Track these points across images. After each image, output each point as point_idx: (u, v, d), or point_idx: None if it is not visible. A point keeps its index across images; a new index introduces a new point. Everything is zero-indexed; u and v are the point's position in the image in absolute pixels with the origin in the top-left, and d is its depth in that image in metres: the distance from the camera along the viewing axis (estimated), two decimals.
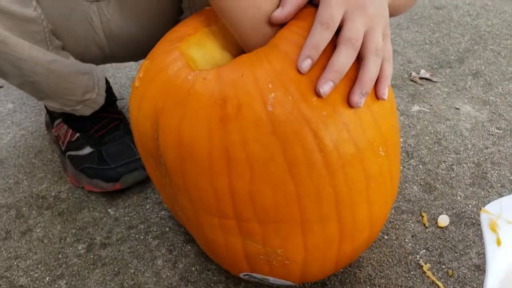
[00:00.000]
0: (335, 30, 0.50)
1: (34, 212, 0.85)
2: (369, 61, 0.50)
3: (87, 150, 0.87)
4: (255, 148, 0.48)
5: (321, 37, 0.49)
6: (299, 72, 0.49)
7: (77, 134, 0.89)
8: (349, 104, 0.50)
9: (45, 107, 0.97)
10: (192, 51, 0.59)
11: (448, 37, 1.39)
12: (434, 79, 1.18)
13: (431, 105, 1.08)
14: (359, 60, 0.52)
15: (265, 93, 0.48)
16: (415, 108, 1.08)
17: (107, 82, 0.93)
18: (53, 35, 0.77)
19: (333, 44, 0.51)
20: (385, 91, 0.52)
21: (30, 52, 0.70)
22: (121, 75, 1.29)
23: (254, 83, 0.49)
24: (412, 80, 1.18)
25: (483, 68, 1.22)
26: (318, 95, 0.48)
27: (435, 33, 1.42)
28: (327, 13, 0.50)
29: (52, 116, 0.97)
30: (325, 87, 0.48)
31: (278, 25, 0.54)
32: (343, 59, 0.49)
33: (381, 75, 0.52)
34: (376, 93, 0.52)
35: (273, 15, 0.53)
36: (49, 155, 0.99)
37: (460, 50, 1.32)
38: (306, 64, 0.49)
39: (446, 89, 1.14)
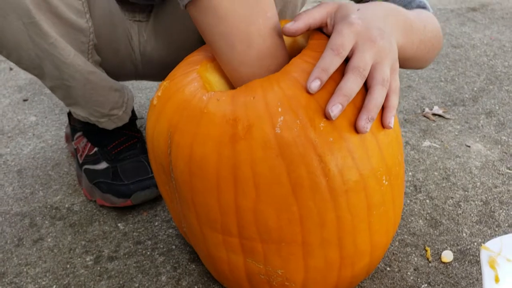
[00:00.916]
0: (344, 57, 0.53)
1: (47, 222, 0.88)
2: (375, 90, 0.53)
3: (103, 165, 0.90)
4: (261, 168, 0.50)
5: (331, 61, 0.52)
6: (308, 92, 0.51)
7: (95, 149, 0.92)
8: (356, 129, 0.52)
9: (68, 119, 1.01)
10: (210, 74, 0.62)
11: (464, 76, 1.40)
12: (447, 116, 1.19)
13: (442, 141, 1.09)
14: (367, 90, 0.54)
15: (275, 116, 0.51)
16: (426, 143, 1.09)
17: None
18: (95, 50, 0.82)
19: (342, 73, 0.53)
20: (391, 120, 0.55)
21: (74, 59, 0.75)
22: (142, 95, 1.32)
23: (264, 106, 0.51)
24: (425, 116, 1.20)
25: (497, 108, 1.23)
26: (327, 117, 0.51)
27: (451, 71, 1.44)
28: (339, 40, 0.53)
29: (73, 128, 1.00)
30: (335, 110, 0.50)
31: (275, 63, 0.57)
32: (351, 85, 0.52)
33: (387, 105, 0.55)
34: (382, 122, 0.55)
35: (284, 27, 0.56)
36: (66, 168, 1.02)
37: (475, 89, 1.33)
38: (315, 85, 0.51)
39: (458, 127, 1.15)
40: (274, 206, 0.51)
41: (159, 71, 0.94)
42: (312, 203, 0.51)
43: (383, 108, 0.55)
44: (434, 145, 1.08)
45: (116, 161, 0.90)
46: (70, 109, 0.87)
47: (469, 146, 1.08)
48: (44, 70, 0.76)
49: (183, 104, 0.56)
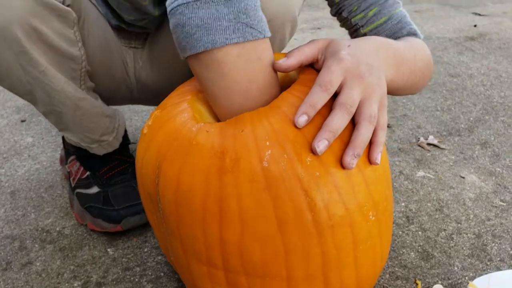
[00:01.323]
0: (332, 93, 0.54)
1: (37, 245, 0.87)
2: (362, 126, 0.53)
3: (95, 189, 0.90)
4: (248, 202, 0.50)
5: (318, 97, 0.53)
6: (296, 126, 0.52)
7: (87, 173, 0.92)
8: (342, 165, 0.52)
9: (63, 142, 1.01)
10: (200, 104, 0.63)
11: (460, 105, 1.41)
12: (442, 146, 1.19)
13: (436, 172, 1.09)
14: (354, 126, 0.54)
15: (262, 149, 0.51)
16: (420, 173, 1.09)
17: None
18: (89, 76, 0.83)
19: (330, 108, 0.54)
20: (378, 156, 0.55)
21: (65, 86, 0.76)
22: (138, 118, 1.33)
23: (253, 139, 0.52)
24: (419, 145, 1.20)
25: (492, 138, 1.23)
26: (313, 152, 0.51)
27: (447, 100, 1.45)
28: (327, 77, 0.54)
29: (67, 152, 1.01)
30: (321, 145, 0.51)
31: (246, 102, 0.58)
32: (338, 121, 0.52)
33: (374, 141, 0.55)
34: (369, 158, 0.55)
35: (276, 63, 0.57)
36: (59, 191, 1.02)
37: (471, 119, 1.33)
38: (302, 120, 0.52)
39: (453, 157, 1.15)
40: (259, 240, 0.51)
41: (154, 96, 0.95)
42: (297, 238, 0.51)
43: (370, 144, 0.55)
44: (428, 175, 1.08)
45: (107, 185, 0.90)
46: (63, 134, 0.88)
47: (463, 177, 1.07)
48: (36, 96, 0.77)
49: (173, 134, 0.56)
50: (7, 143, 1.21)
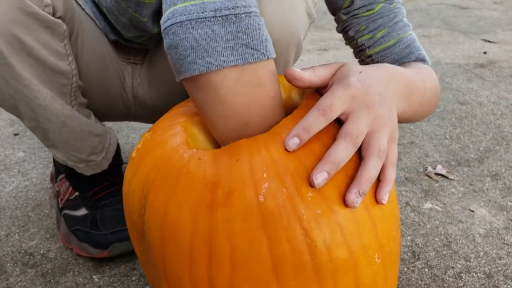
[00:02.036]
0: (331, 119, 0.49)
1: (18, 269, 0.82)
2: (369, 161, 0.48)
3: (82, 211, 0.85)
4: (240, 241, 0.45)
5: (314, 121, 0.48)
6: (286, 150, 0.47)
7: (76, 193, 0.87)
8: (345, 203, 0.47)
9: (53, 159, 0.97)
10: (196, 128, 0.58)
11: (470, 134, 1.36)
12: (451, 176, 1.14)
13: (444, 204, 1.04)
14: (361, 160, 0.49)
15: (259, 182, 0.46)
16: (427, 205, 1.03)
17: (118, 147, 0.92)
18: (81, 92, 0.78)
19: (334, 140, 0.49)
20: (385, 196, 0.49)
21: (50, 102, 0.71)
22: (135, 136, 1.29)
23: (248, 170, 0.47)
24: (427, 175, 1.15)
25: (503, 170, 1.18)
26: (311, 185, 0.46)
27: (456, 128, 1.40)
28: (328, 100, 0.49)
29: (57, 169, 0.96)
30: (319, 178, 0.45)
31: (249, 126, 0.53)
32: (341, 152, 0.47)
33: (383, 179, 0.50)
34: (376, 197, 0.49)
35: (290, 69, 0.52)
36: (47, 210, 0.97)
37: (481, 149, 1.28)
38: (293, 142, 0.47)
39: (462, 189, 1.10)
40: (251, 283, 0.46)
41: (151, 113, 0.90)
42: (294, 283, 0.46)
43: (378, 181, 0.50)
44: (436, 207, 1.03)
45: (96, 208, 0.85)
46: (50, 151, 0.83)
47: (472, 211, 1.02)
48: (20, 111, 0.73)
49: (162, 160, 0.51)
50: None
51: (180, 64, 0.50)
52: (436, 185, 1.11)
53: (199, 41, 0.48)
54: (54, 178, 0.98)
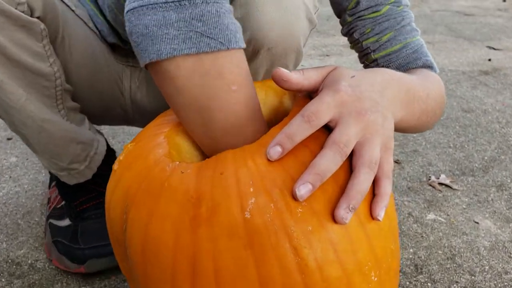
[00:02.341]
0: (317, 126, 0.45)
1: (3, 280, 0.79)
2: (360, 173, 0.44)
3: (66, 222, 0.82)
4: (225, 261, 0.42)
5: (297, 128, 0.45)
6: (268, 159, 0.44)
7: (63, 202, 0.84)
8: (334, 219, 0.43)
9: None
10: (180, 138, 0.55)
11: (474, 143, 1.33)
12: (454, 186, 1.11)
13: (448, 215, 1.00)
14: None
15: (245, 197, 0.43)
16: (431, 216, 1.00)
17: (112, 155, 0.89)
18: (71, 96, 0.75)
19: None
20: (381, 211, 0.45)
21: (25, 105, 0.68)
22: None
23: (234, 184, 0.43)
24: (430, 185, 1.11)
25: (509, 181, 1.14)
26: (294, 197, 0.42)
27: (461, 137, 1.36)
28: (313, 106, 0.46)
29: (51, 175, 0.93)
30: (302, 190, 0.42)
31: (245, 138, 0.51)
32: (326, 162, 0.43)
33: (378, 193, 0.46)
34: (371, 213, 0.46)
35: (278, 69, 0.49)
36: (37, 218, 0.94)
37: (485, 158, 1.25)
38: (274, 151, 0.44)
39: (466, 199, 1.06)
40: None
41: (149, 118, 0.87)
42: None
43: (373, 195, 0.46)
44: (440, 218, 0.99)
45: (79, 219, 0.81)
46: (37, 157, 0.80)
47: (477, 223, 0.98)
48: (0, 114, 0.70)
49: (143, 173, 0.48)
50: None
51: (136, 51, 0.48)
52: (440, 195, 1.08)
53: (149, 28, 0.46)
54: (48, 184, 0.95)
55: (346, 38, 0.79)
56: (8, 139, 1.24)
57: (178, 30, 0.45)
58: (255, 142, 0.47)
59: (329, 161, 0.43)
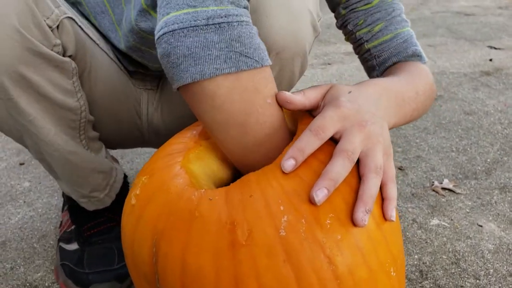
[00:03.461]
0: (324, 139, 0.51)
1: None
2: (369, 179, 0.49)
3: (74, 246, 0.85)
4: (267, 278, 0.45)
5: (307, 141, 0.49)
6: (282, 171, 0.48)
7: (73, 226, 0.87)
8: (354, 222, 0.48)
9: None
10: (193, 165, 0.57)
11: (476, 146, 1.34)
12: (458, 190, 1.13)
13: (451, 220, 1.02)
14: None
15: (277, 216, 0.46)
16: (435, 221, 1.02)
17: (126, 182, 0.92)
18: (94, 125, 0.79)
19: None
20: (393, 212, 0.50)
21: (54, 138, 0.71)
22: (139, 160, 1.29)
23: (264, 205, 0.47)
24: (433, 190, 1.13)
25: None
26: (312, 202, 0.46)
27: (463, 140, 1.38)
28: (319, 122, 0.51)
29: (64, 199, 0.96)
30: (320, 195, 0.46)
31: (274, 147, 0.54)
32: (338, 168, 0.48)
33: (386, 197, 0.51)
34: (384, 215, 0.51)
35: (282, 93, 0.53)
36: (52, 241, 0.98)
37: (488, 160, 1.26)
38: (289, 164, 0.48)
39: (470, 203, 1.08)
40: None
41: (164, 138, 0.91)
42: None
43: (382, 200, 0.51)
44: (443, 223, 1.01)
45: (86, 244, 0.84)
46: (56, 182, 0.83)
47: (481, 226, 1.00)
48: (26, 143, 0.74)
49: (169, 206, 0.50)
50: (4, 188, 1.17)
51: (173, 72, 0.50)
52: (443, 200, 1.09)
53: (192, 49, 0.48)
54: (62, 207, 0.99)
55: (346, 46, 0.84)
56: (21, 164, 1.28)
57: (220, 51, 0.48)
58: (273, 163, 0.50)
59: (340, 167, 0.48)
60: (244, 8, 0.51)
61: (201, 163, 0.58)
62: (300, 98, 0.54)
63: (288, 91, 0.75)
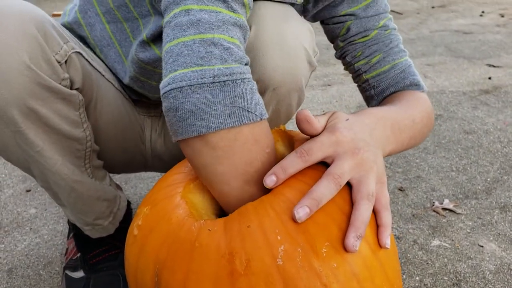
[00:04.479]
0: (308, 162, 0.52)
1: None
2: (361, 205, 0.51)
3: (80, 273, 0.87)
4: None
5: (291, 161, 0.52)
6: (279, 201, 0.50)
7: (78, 254, 0.89)
8: (345, 248, 0.49)
9: None
10: (193, 195, 0.59)
11: (476, 165, 1.36)
12: (458, 210, 1.14)
13: (452, 240, 1.03)
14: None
15: (274, 245, 0.47)
16: (435, 242, 1.03)
17: (129, 209, 0.94)
18: (98, 153, 0.81)
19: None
20: (387, 240, 0.52)
21: (60, 168, 0.73)
22: (143, 186, 1.31)
23: (262, 235, 0.48)
24: (434, 211, 1.14)
25: None
26: (293, 220, 0.48)
27: (463, 159, 1.39)
28: (308, 145, 0.53)
29: (69, 226, 0.98)
30: (301, 212, 0.48)
31: (253, 193, 0.55)
32: (322, 189, 0.50)
33: (381, 224, 0.52)
34: (378, 243, 0.52)
35: (301, 114, 0.55)
36: (57, 267, 0.99)
37: (488, 179, 1.28)
38: (270, 180, 0.51)
39: (470, 223, 1.09)
40: None
41: (167, 164, 0.93)
42: None
43: (377, 227, 0.52)
44: (444, 244, 1.02)
45: (92, 271, 0.86)
46: (62, 209, 0.85)
47: (482, 246, 1.01)
48: (33, 173, 0.76)
49: (170, 236, 0.52)
50: (10, 215, 1.19)
51: (178, 126, 0.52)
52: (444, 220, 1.10)
53: (198, 105, 0.50)
54: (67, 234, 1.00)
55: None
56: (27, 191, 1.29)
57: (224, 106, 0.50)
58: (271, 192, 0.52)
59: (324, 189, 0.50)
60: (246, 64, 0.54)
61: (201, 193, 0.60)
62: (316, 122, 0.56)
63: (286, 122, 0.77)
